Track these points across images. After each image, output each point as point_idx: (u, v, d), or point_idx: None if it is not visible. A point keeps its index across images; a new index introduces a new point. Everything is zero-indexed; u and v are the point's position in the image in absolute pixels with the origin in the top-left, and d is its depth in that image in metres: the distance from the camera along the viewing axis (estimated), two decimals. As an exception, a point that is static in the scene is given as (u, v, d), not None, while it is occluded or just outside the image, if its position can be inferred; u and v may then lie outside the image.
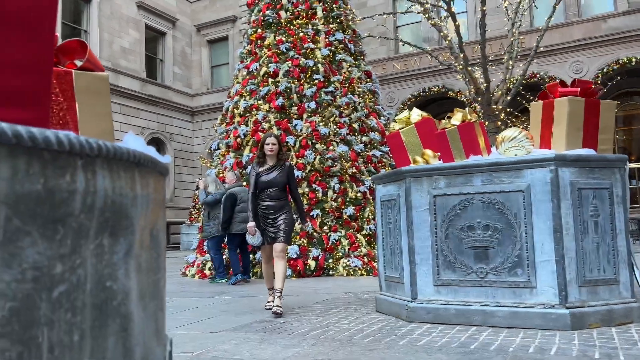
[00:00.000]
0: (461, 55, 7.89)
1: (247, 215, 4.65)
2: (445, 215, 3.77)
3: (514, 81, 8.39)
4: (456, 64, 7.90)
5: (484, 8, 7.80)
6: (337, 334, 3.45)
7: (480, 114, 7.70)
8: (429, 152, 4.21)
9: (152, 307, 0.86)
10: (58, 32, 16.21)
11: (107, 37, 20.09)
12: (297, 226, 7.00)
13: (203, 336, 3.59)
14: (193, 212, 19.30)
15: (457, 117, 3.95)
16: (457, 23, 7.82)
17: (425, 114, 4.63)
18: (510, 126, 13.16)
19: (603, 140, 3.84)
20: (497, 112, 7.52)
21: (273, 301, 4.40)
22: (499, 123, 7.48)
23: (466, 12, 18.23)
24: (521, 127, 3.99)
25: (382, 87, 19.36)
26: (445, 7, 7.75)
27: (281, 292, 4.36)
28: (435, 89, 18.25)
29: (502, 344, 3.03)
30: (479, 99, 7.84)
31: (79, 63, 1.27)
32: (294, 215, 4.88)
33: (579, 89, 3.79)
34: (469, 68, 7.93)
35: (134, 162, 0.76)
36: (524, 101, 14.14)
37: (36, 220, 0.58)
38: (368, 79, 9.62)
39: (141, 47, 21.67)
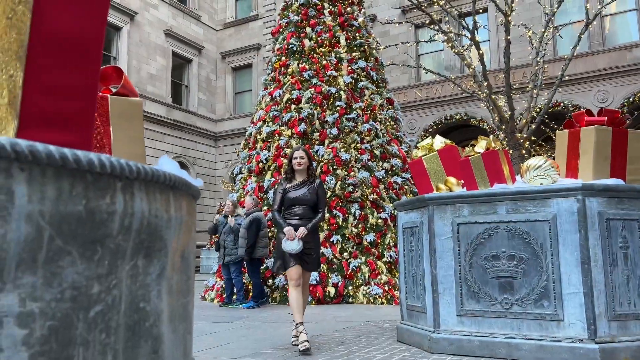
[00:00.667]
0: (485, 84, 7.87)
1: (268, 240, 4.53)
2: (469, 244, 3.71)
3: (538, 110, 8.30)
4: (479, 92, 7.90)
5: (508, 37, 7.81)
6: (357, 363, 3.39)
7: (504, 143, 7.65)
8: (452, 179, 4.18)
9: (182, 330, 0.86)
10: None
11: (135, 64, 20.65)
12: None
13: (222, 362, 3.56)
14: (213, 236, 19.37)
15: (481, 145, 3.93)
16: (480, 52, 7.84)
17: (448, 141, 4.61)
18: (535, 155, 13.02)
19: (632, 170, 3.76)
20: (521, 141, 7.45)
21: (298, 336, 3.88)
22: (524, 151, 7.40)
23: (489, 40, 18.29)
24: (545, 155, 3.94)
25: (404, 114, 19.40)
26: (470, 36, 7.78)
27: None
28: (457, 117, 18.19)
29: (528, 378, 2.93)
30: (503, 127, 7.79)
31: (114, 89, 1.31)
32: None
33: (605, 118, 3.74)
34: (493, 96, 7.91)
35: (169, 185, 0.78)
36: (547, 130, 14.03)
37: (77, 241, 0.60)
38: (390, 106, 9.67)
39: (167, 74, 22.19)
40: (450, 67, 19.03)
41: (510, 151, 7.56)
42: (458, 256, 3.75)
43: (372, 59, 9.80)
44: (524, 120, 7.63)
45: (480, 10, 7.48)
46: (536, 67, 8.17)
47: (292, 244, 4.03)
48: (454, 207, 3.82)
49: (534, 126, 7.61)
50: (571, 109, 15.93)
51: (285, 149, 8.68)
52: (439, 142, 4.58)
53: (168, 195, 0.78)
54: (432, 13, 8.39)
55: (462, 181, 4.03)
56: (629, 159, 3.76)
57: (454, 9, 8.64)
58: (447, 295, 3.76)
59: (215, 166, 23.92)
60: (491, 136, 4.00)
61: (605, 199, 3.46)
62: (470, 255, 3.70)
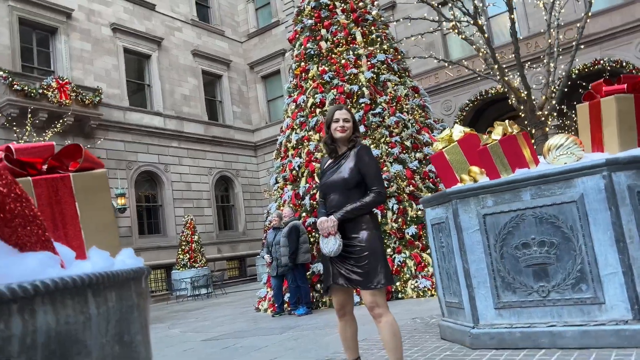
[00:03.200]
0: (495, 67, 7.60)
1: (309, 245, 3.17)
2: (498, 235, 3.62)
3: (558, 84, 7.89)
4: (493, 75, 7.62)
5: (513, 16, 7.50)
6: (396, 369, 3.38)
7: (525, 123, 7.35)
8: (475, 168, 4.08)
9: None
10: (124, 89, 17.11)
11: (168, 88, 21.26)
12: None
13: (266, 380, 3.64)
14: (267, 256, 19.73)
15: (497, 132, 3.82)
16: (486, 35, 7.58)
17: (467, 129, 4.51)
18: (563, 129, 12.39)
19: (660, 135, 3.55)
20: (542, 119, 7.14)
21: None
22: (547, 129, 7.09)
23: (515, 8, 17.63)
24: (568, 133, 3.77)
25: (438, 96, 19.03)
26: (472, 22, 7.53)
27: None
28: (493, 91, 17.64)
29: (570, 369, 2.84)
30: (522, 107, 7.50)
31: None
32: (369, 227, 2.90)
33: (625, 85, 3.55)
34: (506, 78, 7.63)
35: (85, 286, 0.82)
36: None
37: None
38: (416, 95, 9.52)
39: (200, 92, 22.71)
40: (502, 35, 18.47)
41: (533, 131, 7.28)
42: (488, 248, 3.67)
43: (392, 50, 9.67)
44: (544, 97, 7.30)
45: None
46: (549, 40, 7.81)
47: (328, 244, 2.81)
48: (477, 199, 3.74)
49: (554, 102, 7.28)
50: (612, 65, 15.16)
51: (315, 154, 8.73)
52: (458, 131, 4.48)
53: (85, 296, 0.82)
54: None
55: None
56: (657, 123, 3.55)
57: None
58: (482, 289, 3.69)
59: (259, 175, 24.29)
60: (507, 121, 3.88)
61: (634, 171, 3.29)
62: (500, 245, 3.61)
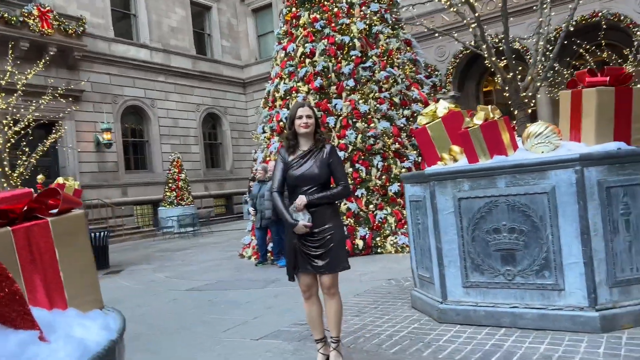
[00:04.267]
0: (484, 47, 7.45)
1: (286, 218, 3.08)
2: (471, 218, 3.76)
3: (544, 63, 7.73)
4: (483, 52, 7.47)
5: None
6: (367, 342, 3.62)
7: (509, 103, 7.33)
8: (455, 148, 4.17)
9: None
10: (109, 19, 16.41)
11: (155, 18, 20.52)
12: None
13: (244, 345, 3.87)
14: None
15: (479, 116, 3.85)
16: (477, 14, 7.36)
17: (452, 106, 4.53)
18: (554, 86, 12.25)
19: (637, 129, 3.63)
20: (526, 100, 7.11)
21: (327, 356, 3.18)
22: (529, 111, 7.08)
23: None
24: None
25: (431, 42, 18.64)
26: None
27: (339, 340, 3.19)
28: (489, 39, 17.29)
29: (525, 353, 3.07)
30: (507, 87, 7.44)
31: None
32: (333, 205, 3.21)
33: (608, 78, 3.58)
34: (494, 58, 7.51)
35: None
36: (580, 50, 13.22)
37: None
38: (408, 48, 9.36)
39: (188, 25, 21.99)
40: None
41: (516, 112, 7.27)
42: (461, 230, 3.82)
43: (386, -1, 9.39)
44: (529, 77, 7.23)
45: None
46: (540, 19, 7.58)
47: (299, 217, 3.05)
48: (454, 182, 3.84)
49: (539, 84, 7.20)
50: (610, 18, 14.88)
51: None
52: (442, 108, 4.51)
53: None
54: None
55: (465, 150, 4.01)
56: (634, 117, 3.62)
57: None
58: (452, 268, 3.88)
59: (247, 113, 24.07)
60: (490, 106, 3.91)
61: (606, 167, 3.40)
62: (473, 229, 3.76)
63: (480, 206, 3.72)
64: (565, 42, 12.03)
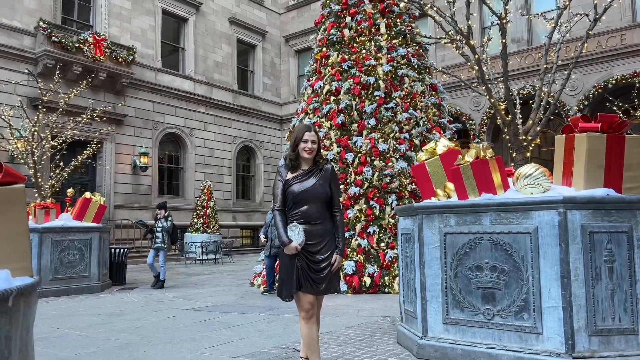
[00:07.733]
0: (483, 88, 7.50)
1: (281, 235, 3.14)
2: (455, 254, 3.76)
3: (546, 107, 7.69)
4: (487, 96, 7.52)
5: (504, 40, 7.33)
6: (338, 368, 3.59)
7: (509, 146, 7.28)
8: (450, 185, 4.19)
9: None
10: (158, 50, 17.37)
11: (201, 53, 21.52)
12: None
13: (220, 361, 3.91)
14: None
15: (470, 154, 3.90)
16: (476, 56, 7.45)
17: (451, 145, 4.58)
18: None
19: (629, 178, 3.58)
20: (525, 144, 7.05)
21: None
22: (528, 154, 7.01)
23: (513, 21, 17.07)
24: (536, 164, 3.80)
25: (468, 92, 18.65)
26: (464, 42, 7.39)
27: None
28: (524, 92, 17.26)
29: (491, 393, 3.00)
30: (506, 130, 7.43)
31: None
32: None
33: (600, 125, 3.57)
34: (493, 100, 7.54)
35: None
36: (613, 107, 13.03)
37: None
38: (433, 92, 9.49)
39: (233, 61, 22.92)
40: (517, 40, 18.07)
41: (514, 154, 7.21)
42: (444, 265, 3.80)
43: (414, 44, 9.62)
44: (530, 122, 7.19)
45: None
46: (545, 65, 7.60)
47: (295, 235, 3.12)
48: (441, 217, 3.86)
49: (539, 128, 7.15)
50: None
51: (324, 141, 8.86)
52: (442, 145, 4.57)
53: None
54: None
55: (458, 188, 4.03)
56: (626, 166, 3.58)
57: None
58: (434, 303, 3.85)
59: (281, 148, 24.49)
60: (481, 144, 3.95)
61: (590, 211, 3.36)
62: (456, 265, 3.75)
63: (464, 242, 3.71)
64: (599, 97, 11.84)
